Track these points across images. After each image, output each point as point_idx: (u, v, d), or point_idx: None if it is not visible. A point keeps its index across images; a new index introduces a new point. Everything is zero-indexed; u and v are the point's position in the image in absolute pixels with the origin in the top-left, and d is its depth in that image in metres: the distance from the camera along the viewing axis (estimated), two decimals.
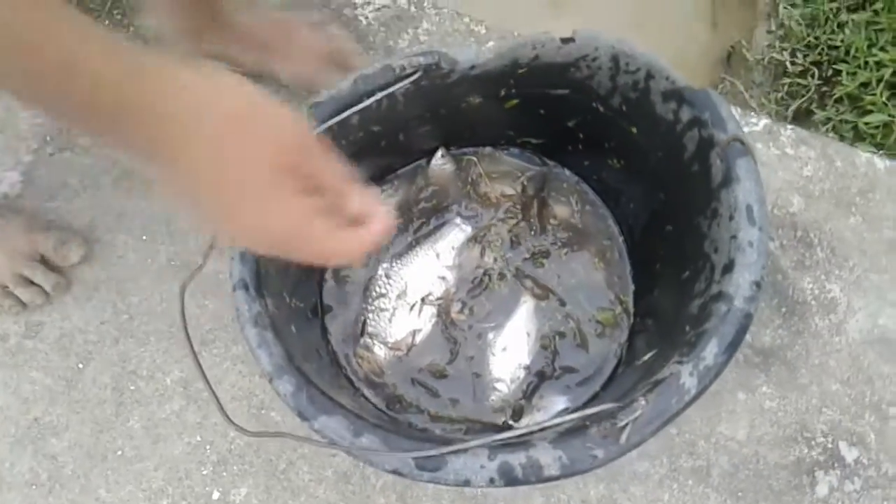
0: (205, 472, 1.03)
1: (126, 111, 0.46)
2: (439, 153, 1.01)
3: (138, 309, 1.09)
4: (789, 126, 1.17)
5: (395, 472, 0.68)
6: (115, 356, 1.07)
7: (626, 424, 0.68)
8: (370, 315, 0.98)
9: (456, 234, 1.02)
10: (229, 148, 0.48)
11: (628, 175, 0.96)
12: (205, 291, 1.07)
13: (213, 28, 1.06)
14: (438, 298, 0.99)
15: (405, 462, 0.68)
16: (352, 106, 0.79)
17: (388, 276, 0.99)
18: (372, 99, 0.79)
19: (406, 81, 0.79)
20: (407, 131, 0.92)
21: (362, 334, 0.98)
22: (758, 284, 0.74)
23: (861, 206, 1.13)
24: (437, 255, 1.00)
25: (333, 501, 1.01)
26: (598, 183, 1.03)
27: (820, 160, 1.15)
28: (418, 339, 0.97)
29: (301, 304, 0.89)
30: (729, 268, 0.75)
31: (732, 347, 0.72)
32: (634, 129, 0.90)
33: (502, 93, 0.90)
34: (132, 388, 1.06)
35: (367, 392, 0.96)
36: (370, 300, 0.99)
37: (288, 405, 0.69)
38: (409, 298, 0.99)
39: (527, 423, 0.95)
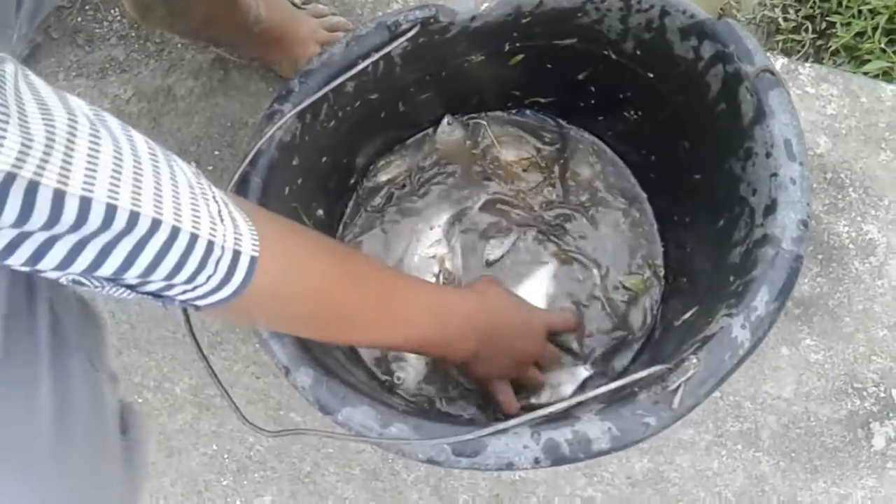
0: (225, 483, 0.97)
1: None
2: (445, 120, 0.95)
3: (139, 317, 1.03)
4: (807, 64, 1.11)
5: (430, 461, 0.62)
6: (119, 369, 1.01)
7: (679, 386, 0.62)
8: None
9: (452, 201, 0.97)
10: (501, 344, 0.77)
11: (647, 126, 0.90)
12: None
13: (221, 24, 0.99)
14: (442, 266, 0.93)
15: (440, 449, 0.62)
16: (345, 71, 0.72)
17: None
18: (367, 61, 0.72)
19: (402, 39, 0.73)
20: (407, 99, 0.86)
21: (388, 358, 0.91)
22: (805, 224, 0.68)
23: (891, 142, 1.07)
24: (433, 226, 0.95)
25: (364, 501, 0.95)
26: (614, 139, 0.97)
27: (843, 97, 1.09)
28: None
29: None
30: (771, 209, 0.69)
31: (784, 294, 0.66)
32: (651, 75, 0.84)
33: (506, 47, 0.83)
34: (140, 400, 1.00)
35: (387, 379, 0.90)
36: None
37: (307, 399, 0.63)
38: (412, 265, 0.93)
39: (548, 397, 0.89)
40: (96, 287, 0.42)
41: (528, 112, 0.99)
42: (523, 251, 0.94)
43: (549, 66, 0.88)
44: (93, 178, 0.35)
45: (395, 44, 0.73)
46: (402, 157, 0.97)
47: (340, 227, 0.96)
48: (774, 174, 0.70)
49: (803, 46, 1.27)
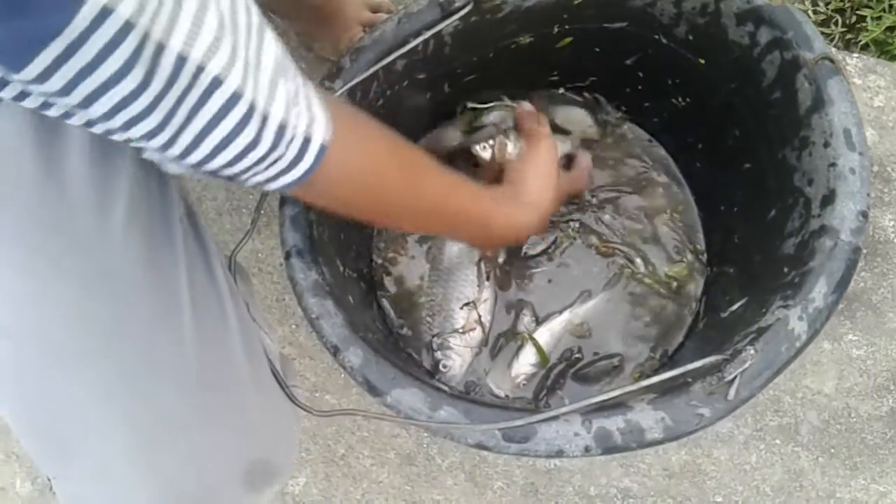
0: None
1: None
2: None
3: None
4: (855, 54, 1.09)
5: (479, 445, 0.61)
6: None
7: (735, 377, 0.61)
8: (427, 312, 0.92)
9: None
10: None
11: (695, 113, 0.89)
12: (243, 272, 1.01)
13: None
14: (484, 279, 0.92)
15: (490, 434, 0.61)
16: (397, 49, 0.71)
17: (429, 277, 0.93)
18: (419, 39, 0.71)
19: (455, 17, 0.72)
20: (453, 80, 0.85)
21: (432, 348, 0.90)
22: (864, 215, 0.66)
23: None
24: None
25: (398, 485, 0.95)
26: (660, 125, 0.95)
27: (891, 89, 1.07)
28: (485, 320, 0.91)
29: (354, 275, 0.82)
30: (829, 199, 0.67)
31: (843, 286, 0.64)
32: (702, 61, 0.82)
33: (555, 29, 0.82)
34: None
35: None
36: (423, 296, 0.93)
37: (356, 379, 0.63)
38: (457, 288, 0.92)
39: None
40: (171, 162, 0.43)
41: (571, 95, 0.98)
42: (567, 252, 0.93)
43: (597, 49, 0.87)
44: (194, 39, 0.35)
45: (448, 21, 0.72)
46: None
47: None
48: (833, 164, 0.68)
49: (833, 40, 1.25)
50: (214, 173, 0.43)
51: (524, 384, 0.88)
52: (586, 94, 0.97)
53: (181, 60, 0.35)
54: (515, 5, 0.75)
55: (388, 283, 0.92)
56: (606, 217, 0.94)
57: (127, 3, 0.32)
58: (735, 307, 0.78)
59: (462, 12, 0.72)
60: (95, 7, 0.31)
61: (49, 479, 0.54)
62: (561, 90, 0.98)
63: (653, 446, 0.61)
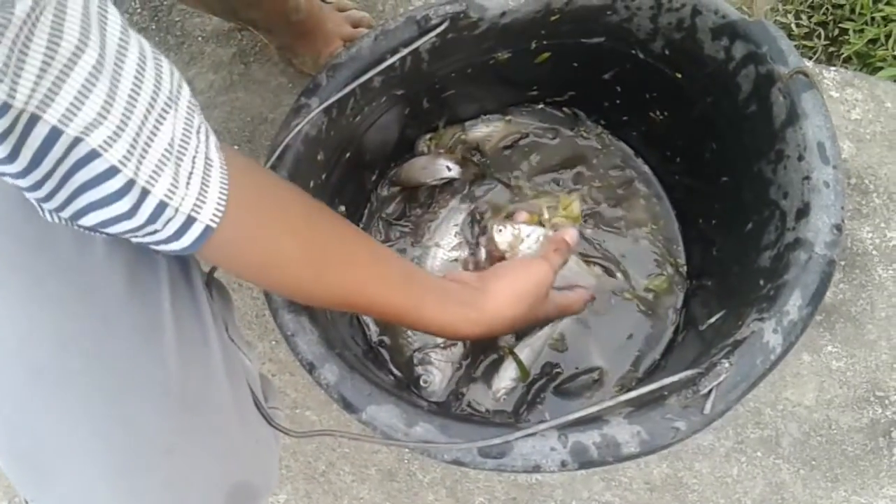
0: None
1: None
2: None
3: None
4: (832, 68, 1.10)
5: (455, 462, 0.61)
6: None
7: (710, 391, 0.61)
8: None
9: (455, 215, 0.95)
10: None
11: (673, 127, 0.89)
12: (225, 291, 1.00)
13: (262, 7, 0.98)
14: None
15: (467, 451, 0.61)
16: (374, 66, 0.71)
17: None
18: (396, 56, 0.71)
19: (431, 34, 0.72)
20: (432, 96, 0.85)
21: (413, 362, 0.89)
22: (839, 228, 0.67)
23: None
24: (441, 243, 0.93)
25: (379, 502, 0.94)
26: (639, 139, 0.96)
27: (868, 102, 1.08)
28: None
29: None
30: (804, 212, 0.68)
31: (817, 298, 0.65)
32: (679, 75, 0.83)
33: (533, 45, 0.83)
34: None
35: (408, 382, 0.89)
36: None
37: (332, 396, 0.62)
38: None
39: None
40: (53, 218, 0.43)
41: (551, 110, 0.98)
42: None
43: (575, 64, 0.87)
44: (75, 112, 0.36)
45: (425, 39, 0.72)
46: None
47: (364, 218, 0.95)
48: (807, 177, 0.69)
49: (815, 53, 1.26)
50: (94, 230, 0.43)
51: (504, 398, 0.88)
52: (566, 109, 0.98)
53: (55, 133, 0.36)
54: (492, 22, 0.75)
55: None
56: (588, 231, 0.94)
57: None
58: (713, 320, 0.78)
59: (438, 30, 0.72)
60: None
61: (27, 502, 0.53)
62: (541, 105, 0.98)
63: (629, 460, 0.60)
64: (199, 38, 1.11)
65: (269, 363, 0.98)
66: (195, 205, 0.44)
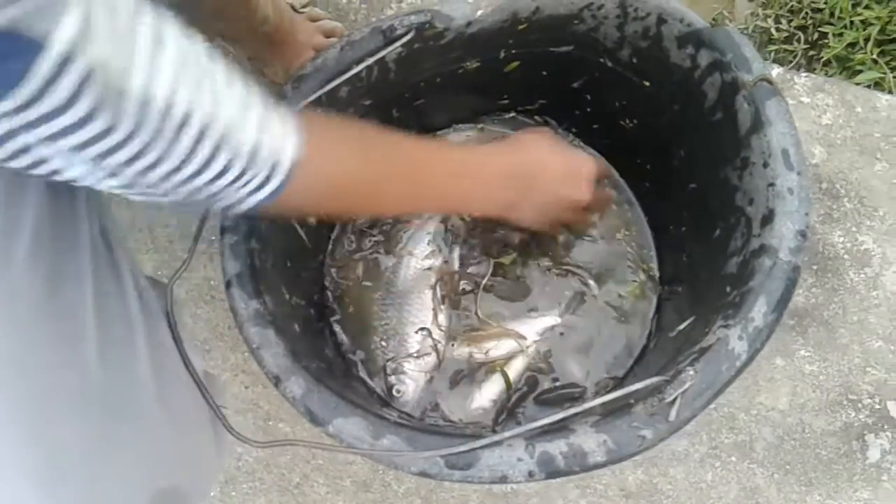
0: (213, 494, 0.95)
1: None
2: None
3: None
4: (803, 73, 1.11)
5: (422, 473, 0.61)
6: None
7: (675, 398, 0.61)
8: (381, 337, 0.91)
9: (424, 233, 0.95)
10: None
11: (642, 135, 0.89)
12: (196, 299, 1.00)
13: (229, 18, 0.98)
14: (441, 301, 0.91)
15: (433, 462, 0.61)
16: (339, 76, 0.71)
17: (384, 301, 0.92)
18: (361, 66, 0.71)
19: (397, 44, 0.72)
20: (401, 106, 0.85)
21: (386, 372, 0.89)
22: (803, 234, 0.67)
23: (887, 152, 1.06)
24: (413, 257, 0.93)
25: None
26: (609, 147, 0.96)
27: (839, 107, 1.09)
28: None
29: (302, 302, 0.81)
30: (769, 219, 0.68)
31: (782, 305, 0.65)
32: (647, 83, 0.83)
33: (501, 54, 0.83)
34: None
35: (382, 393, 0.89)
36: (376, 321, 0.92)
37: (298, 409, 0.62)
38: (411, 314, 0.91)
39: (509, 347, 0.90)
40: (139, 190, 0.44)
41: (522, 118, 0.98)
42: (526, 274, 0.93)
43: (544, 73, 0.88)
44: (154, 77, 0.38)
45: (390, 49, 0.72)
46: None
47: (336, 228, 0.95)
48: (772, 184, 0.69)
49: (795, 57, 1.27)
50: (192, 196, 0.46)
51: (480, 413, 0.87)
52: (537, 118, 0.98)
53: (146, 100, 0.38)
54: (458, 32, 0.75)
55: (341, 308, 0.92)
56: (563, 237, 0.94)
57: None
58: (682, 327, 0.78)
59: (404, 39, 0.72)
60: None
61: None
62: (512, 114, 0.99)
63: (595, 469, 0.60)
64: None
65: (242, 374, 0.98)
66: (279, 144, 0.47)
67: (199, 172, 0.43)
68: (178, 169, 0.42)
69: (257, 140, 0.45)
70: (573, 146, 0.84)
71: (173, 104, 0.39)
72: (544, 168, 0.75)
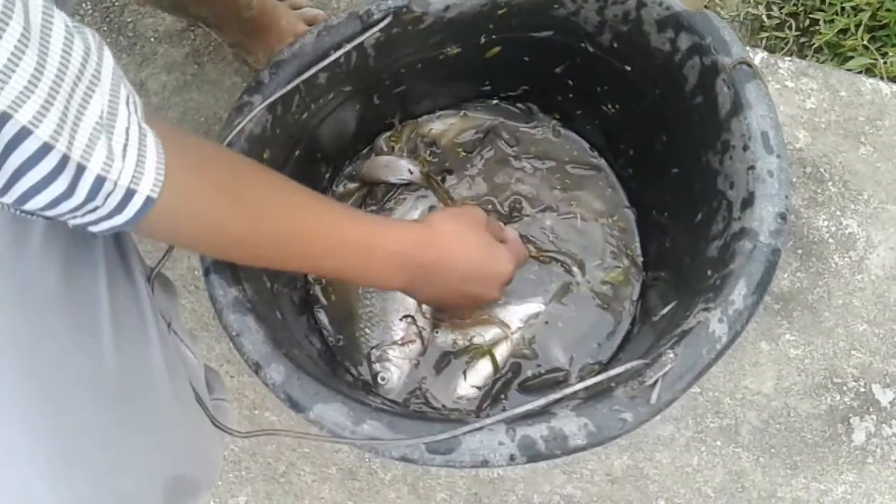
0: None
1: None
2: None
3: None
4: (787, 58, 1.11)
5: (403, 458, 0.61)
6: None
7: (656, 381, 0.61)
8: (366, 324, 0.91)
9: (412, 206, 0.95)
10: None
11: (625, 120, 0.89)
12: (181, 290, 0.99)
13: (212, 4, 0.97)
14: None
15: (415, 447, 0.60)
16: (317, 62, 0.71)
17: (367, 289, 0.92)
18: (339, 52, 0.71)
19: (374, 30, 0.72)
20: (382, 92, 0.85)
21: (370, 360, 0.89)
22: (783, 217, 0.67)
23: (871, 136, 1.06)
24: None
25: (340, 501, 0.94)
26: (592, 132, 0.96)
27: (823, 91, 1.09)
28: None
29: (285, 290, 0.81)
30: (749, 202, 0.68)
31: (762, 287, 0.65)
32: (628, 68, 0.83)
33: (482, 39, 0.82)
34: None
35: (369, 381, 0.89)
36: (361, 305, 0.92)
37: (278, 396, 0.62)
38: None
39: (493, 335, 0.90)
40: None
41: (505, 105, 0.98)
42: None
43: (526, 58, 0.87)
44: (1, 85, 0.35)
45: (368, 34, 0.72)
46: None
47: None
48: (752, 167, 0.69)
49: (787, 43, 1.27)
50: (34, 214, 0.43)
51: (464, 401, 0.87)
52: (520, 104, 0.98)
53: None
54: (437, 16, 0.75)
55: (325, 295, 0.92)
56: (548, 223, 0.94)
57: None
58: (665, 311, 0.78)
59: (381, 24, 0.72)
60: None
61: None
62: (495, 100, 0.98)
63: (576, 452, 0.60)
64: (152, 39, 1.10)
65: (227, 364, 0.98)
66: (134, 176, 0.44)
67: (33, 192, 0.40)
68: (10, 183, 0.39)
69: (103, 171, 0.42)
70: (495, 241, 0.75)
71: (11, 117, 0.37)
72: (448, 263, 0.70)
